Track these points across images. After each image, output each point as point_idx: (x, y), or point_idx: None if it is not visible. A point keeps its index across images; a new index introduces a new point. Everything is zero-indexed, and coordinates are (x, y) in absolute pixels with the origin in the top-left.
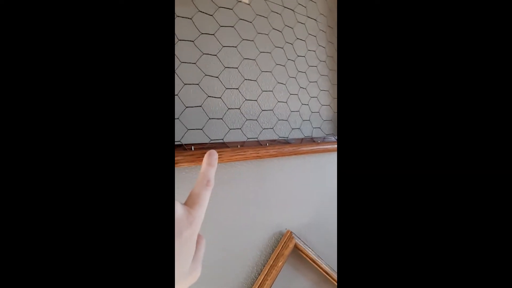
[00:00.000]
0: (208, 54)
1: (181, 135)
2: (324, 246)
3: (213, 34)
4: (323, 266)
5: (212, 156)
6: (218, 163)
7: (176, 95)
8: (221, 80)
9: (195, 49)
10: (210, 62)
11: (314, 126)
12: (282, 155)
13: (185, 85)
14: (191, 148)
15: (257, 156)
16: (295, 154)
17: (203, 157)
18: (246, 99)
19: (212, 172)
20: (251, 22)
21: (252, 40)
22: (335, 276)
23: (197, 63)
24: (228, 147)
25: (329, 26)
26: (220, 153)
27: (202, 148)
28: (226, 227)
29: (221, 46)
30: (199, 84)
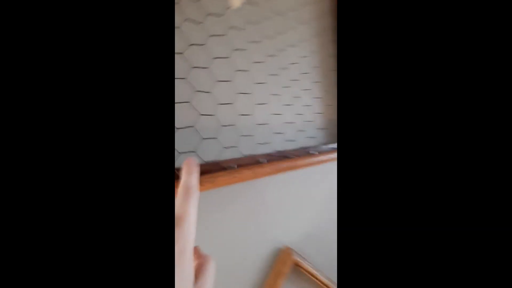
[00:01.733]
0: (197, 67)
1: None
2: (323, 259)
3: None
4: (323, 279)
5: (189, 164)
6: (213, 187)
7: None
8: (214, 94)
9: (185, 62)
10: (199, 75)
11: (308, 136)
12: (278, 172)
13: (175, 104)
14: None
15: (254, 176)
16: (291, 169)
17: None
18: (240, 114)
19: (193, 179)
20: (244, 29)
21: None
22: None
23: (188, 78)
24: (224, 169)
25: (322, 32)
26: (216, 177)
27: None
28: (225, 248)
29: (212, 58)
30: (191, 102)
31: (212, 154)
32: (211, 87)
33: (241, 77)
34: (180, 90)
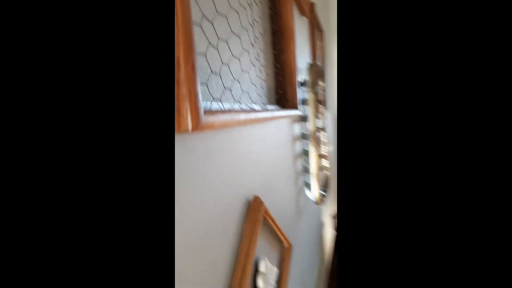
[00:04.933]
0: None
1: None
2: (277, 208)
3: None
4: (279, 225)
5: None
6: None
7: None
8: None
9: None
10: None
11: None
12: (252, 122)
13: None
14: None
15: (238, 124)
16: (258, 121)
17: None
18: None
19: None
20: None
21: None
22: (284, 236)
23: None
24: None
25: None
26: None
27: None
28: (208, 197)
29: None
30: None
31: None
32: None
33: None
34: None
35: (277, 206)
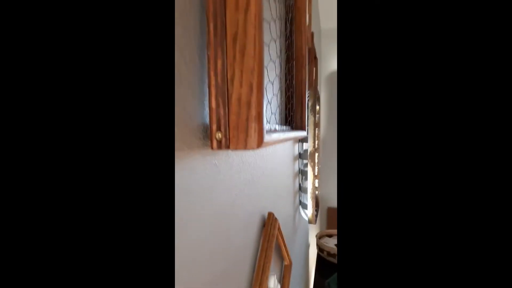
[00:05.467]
0: None
1: None
2: (282, 225)
3: None
4: (286, 242)
5: None
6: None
7: None
8: None
9: None
10: None
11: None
12: (275, 143)
13: None
14: None
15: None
16: (280, 142)
17: None
18: None
19: None
20: None
21: None
22: (288, 254)
23: None
24: None
25: None
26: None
27: None
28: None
29: None
30: None
31: None
32: None
33: None
34: None
35: (282, 223)
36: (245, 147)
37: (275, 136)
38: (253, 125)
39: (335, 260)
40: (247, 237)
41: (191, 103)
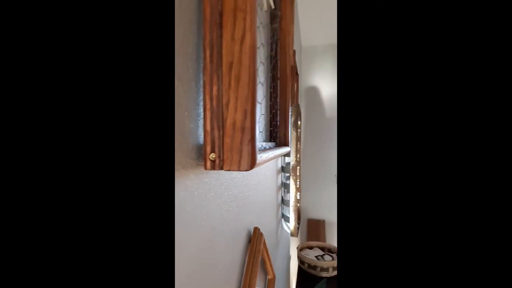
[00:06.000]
0: None
1: None
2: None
3: None
4: (270, 257)
5: None
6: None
7: None
8: None
9: None
10: None
11: None
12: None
13: None
14: None
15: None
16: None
17: None
18: None
19: None
20: None
21: None
22: (272, 268)
23: None
24: None
25: None
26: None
27: None
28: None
29: None
30: None
31: None
32: None
33: None
34: None
35: (266, 236)
36: (239, 168)
37: (265, 156)
38: (246, 148)
39: (316, 272)
40: (234, 253)
41: (187, 125)
